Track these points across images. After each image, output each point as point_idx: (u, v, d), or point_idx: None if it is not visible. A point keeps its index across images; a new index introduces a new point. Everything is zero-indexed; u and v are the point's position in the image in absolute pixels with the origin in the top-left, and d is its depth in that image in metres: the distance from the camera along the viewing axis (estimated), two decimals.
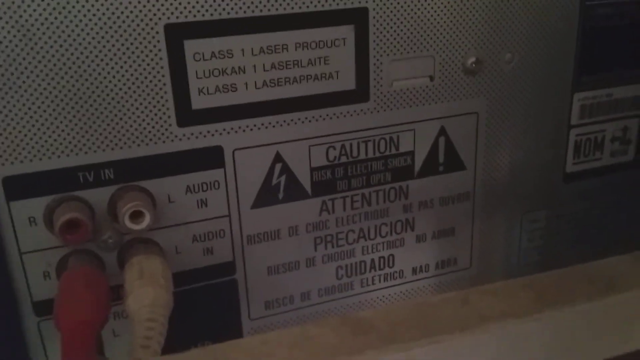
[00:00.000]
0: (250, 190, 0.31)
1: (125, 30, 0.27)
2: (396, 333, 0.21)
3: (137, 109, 0.28)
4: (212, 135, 0.30)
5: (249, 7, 0.28)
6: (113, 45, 0.27)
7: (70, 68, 0.26)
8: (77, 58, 0.26)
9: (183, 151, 0.29)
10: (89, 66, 0.27)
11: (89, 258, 0.28)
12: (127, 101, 0.28)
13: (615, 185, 0.41)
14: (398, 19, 0.32)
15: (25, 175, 0.27)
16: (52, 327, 0.26)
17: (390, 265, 0.36)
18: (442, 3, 0.32)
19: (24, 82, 0.26)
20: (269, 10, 0.29)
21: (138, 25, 0.27)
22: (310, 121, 0.31)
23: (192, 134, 0.29)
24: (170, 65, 0.28)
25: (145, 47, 0.27)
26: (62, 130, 0.27)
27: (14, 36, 0.25)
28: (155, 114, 0.28)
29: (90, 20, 0.26)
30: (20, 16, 0.25)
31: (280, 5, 0.29)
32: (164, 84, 0.28)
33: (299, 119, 0.31)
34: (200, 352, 0.20)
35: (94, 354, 0.24)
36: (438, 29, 0.33)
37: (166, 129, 0.29)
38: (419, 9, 0.32)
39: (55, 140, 0.27)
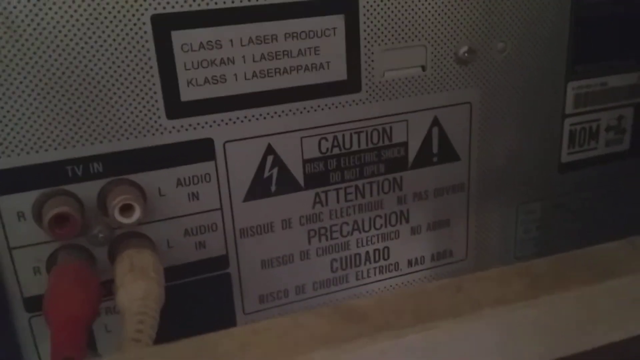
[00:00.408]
0: (242, 183, 0.31)
1: (111, 22, 0.27)
2: (389, 320, 0.21)
3: (125, 101, 0.28)
4: (202, 127, 0.29)
5: None
6: (99, 37, 0.27)
7: (56, 60, 0.26)
8: (63, 50, 0.26)
9: (173, 144, 0.29)
10: (74, 58, 0.26)
11: (79, 253, 0.28)
12: (114, 94, 0.27)
13: (611, 175, 0.41)
14: (389, 8, 0.31)
15: (13, 169, 0.27)
16: (43, 323, 0.26)
17: (385, 257, 0.36)
18: None
19: (9, 75, 0.26)
20: None
21: (124, 16, 0.27)
22: (301, 112, 0.31)
23: (181, 126, 0.29)
24: (157, 56, 0.28)
25: (132, 38, 0.27)
26: (50, 124, 0.27)
27: None
28: (144, 107, 0.28)
29: (75, 11, 0.26)
30: (5, 8, 0.25)
31: None
32: (152, 76, 0.28)
33: (290, 110, 0.31)
34: (190, 342, 0.20)
35: (84, 349, 0.24)
36: (430, 18, 0.32)
37: (155, 122, 0.28)
38: None
39: (42, 133, 0.27)
